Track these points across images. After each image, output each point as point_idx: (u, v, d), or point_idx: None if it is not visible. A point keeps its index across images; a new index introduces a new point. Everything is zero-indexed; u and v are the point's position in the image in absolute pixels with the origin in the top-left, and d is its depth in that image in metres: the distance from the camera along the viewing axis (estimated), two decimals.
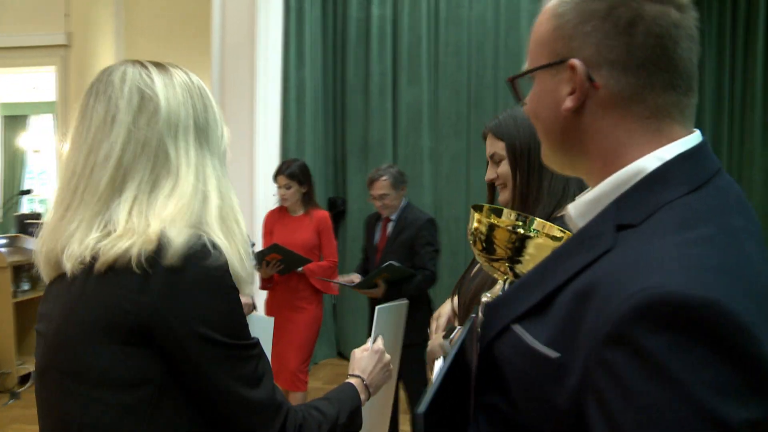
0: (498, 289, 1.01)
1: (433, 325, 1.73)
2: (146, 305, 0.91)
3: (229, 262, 0.97)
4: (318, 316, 3.50)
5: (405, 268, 3.22)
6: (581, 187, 1.60)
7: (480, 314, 0.98)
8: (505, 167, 1.57)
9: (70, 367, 0.96)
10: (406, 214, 3.39)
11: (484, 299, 0.99)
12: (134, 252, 0.91)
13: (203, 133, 1.04)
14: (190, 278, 0.92)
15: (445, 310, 1.76)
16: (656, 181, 0.77)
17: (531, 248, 0.95)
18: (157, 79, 1.03)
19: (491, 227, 0.98)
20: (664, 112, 0.80)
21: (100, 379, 0.94)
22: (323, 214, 3.51)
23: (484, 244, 0.99)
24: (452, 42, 5.34)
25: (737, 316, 0.62)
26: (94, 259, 0.93)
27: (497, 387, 0.83)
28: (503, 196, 1.60)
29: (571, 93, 0.81)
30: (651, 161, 0.78)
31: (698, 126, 0.84)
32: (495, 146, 1.59)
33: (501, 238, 0.97)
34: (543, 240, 0.97)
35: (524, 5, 5.27)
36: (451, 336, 1.56)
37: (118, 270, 0.92)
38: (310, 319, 3.45)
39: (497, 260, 0.99)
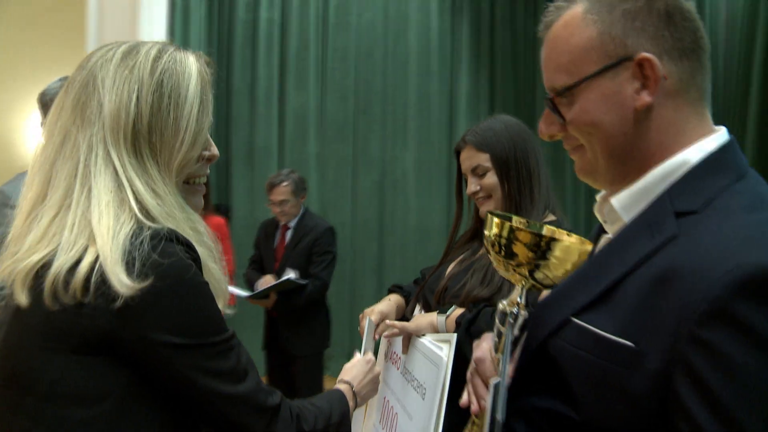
0: (516, 295, 0.99)
1: (364, 322, 1.71)
2: (102, 312, 0.83)
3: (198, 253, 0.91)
4: None
5: (299, 281, 3.19)
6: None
7: (497, 321, 0.98)
8: (490, 179, 1.62)
9: (15, 379, 0.87)
10: (305, 222, 3.36)
11: (500, 306, 0.98)
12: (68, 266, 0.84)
13: (144, 142, 0.92)
14: (147, 282, 0.83)
15: (378, 308, 1.76)
16: (707, 171, 0.82)
17: (558, 251, 0.93)
18: (113, 71, 0.92)
19: (512, 231, 0.95)
20: (706, 93, 0.86)
21: (50, 392, 0.85)
22: (219, 221, 3.40)
23: (504, 249, 0.96)
24: (340, 48, 5.32)
25: None
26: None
27: (550, 386, 0.82)
28: (487, 207, 1.64)
29: (643, 89, 0.83)
30: (694, 153, 0.83)
31: None
32: (477, 159, 1.63)
33: (525, 242, 0.94)
34: (569, 242, 0.95)
35: (412, 13, 5.35)
36: (448, 312, 1.56)
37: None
38: None
39: (518, 265, 0.96)
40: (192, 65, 0.97)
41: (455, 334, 1.46)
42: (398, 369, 1.69)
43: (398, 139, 5.42)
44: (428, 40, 5.39)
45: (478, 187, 1.65)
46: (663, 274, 0.74)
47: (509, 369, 0.90)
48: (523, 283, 0.98)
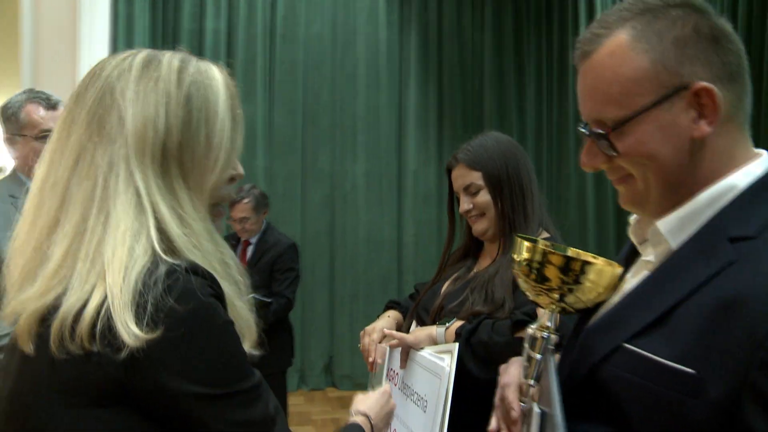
0: (546, 319, 0.95)
1: (366, 340, 1.68)
2: (109, 361, 0.74)
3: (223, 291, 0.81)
4: None
5: (264, 298, 3.10)
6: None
7: (526, 346, 0.95)
8: (483, 197, 1.60)
9: None
10: (267, 237, 3.29)
11: (530, 331, 0.95)
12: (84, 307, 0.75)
13: (174, 160, 0.83)
14: (157, 332, 0.74)
15: (379, 326, 1.72)
16: (757, 196, 0.81)
17: (592, 274, 0.91)
18: (134, 84, 0.83)
19: (545, 255, 0.92)
20: (748, 116, 0.85)
21: None
22: None
23: (536, 273, 0.93)
24: (288, 59, 5.26)
25: None
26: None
27: (603, 413, 0.80)
28: (480, 225, 1.63)
29: (700, 118, 0.81)
30: (741, 177, 0.82)
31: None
32: (470, 177, 1.61)
33: (558, 265, 0.91)
34: (602, 266, 0.92)
35: (360, 26, 5.34)
36: (448, 324, 1.53)
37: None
38: None
39: (549, 290, 0.93)
40: (218, 77, 0.89)
41: (456, 344, 1.43)
42: (396, 385, 1.66)
43: (347, 152, 5.39)
44: (377, 52, 5.39)
45: (471, 206, 1.63)
46: (727, 302, 0.73)
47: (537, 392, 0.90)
48: (554, 307, 0.95)
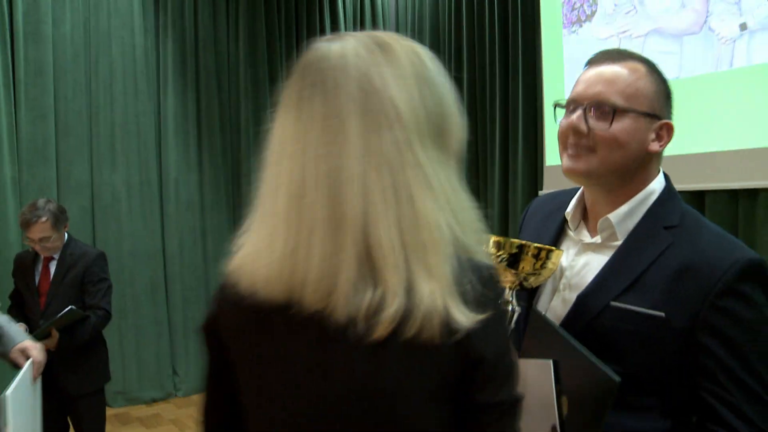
0: (507, 294, 1.25)
1: None
2: (448, 349, 0.78)
3: None
4: None
5: (82, 311, 2.95)
6: None
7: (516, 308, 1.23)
8: None
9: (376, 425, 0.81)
10: (71, 250, 3.09)
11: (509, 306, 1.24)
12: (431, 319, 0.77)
13: (440, 136, 0.85)
14: (484, 308, 0.80)
15: None
16: (670, 198, 1.22)
17: (554, 258, 1.20)
18: (386, 68, 0.82)
19: (521, 248, 1.19)
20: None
21: None
22: None
23: (508, 262, 1.20)
24: (34, 60, 4.81)
25: None
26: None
27: (597, 354, 1.09)
28: None
29: (656, 140, 1.19)
30: (656, 186, 1.22)
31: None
32: None
33: (533, 254, 1.19)
34: (558, 251, 1.23)
35: (115, 30, 5.11)
36: None
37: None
38: None
39: (517, 274, 1.21)
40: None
41: None
42: None
43: (105, 161, 5.13)
44: (133, 58, 5.21)
45: None
46: (680, 269, 1.11)
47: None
48: (513, 286, 1.23)
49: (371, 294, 0.77)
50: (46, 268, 3.07)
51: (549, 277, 1.25)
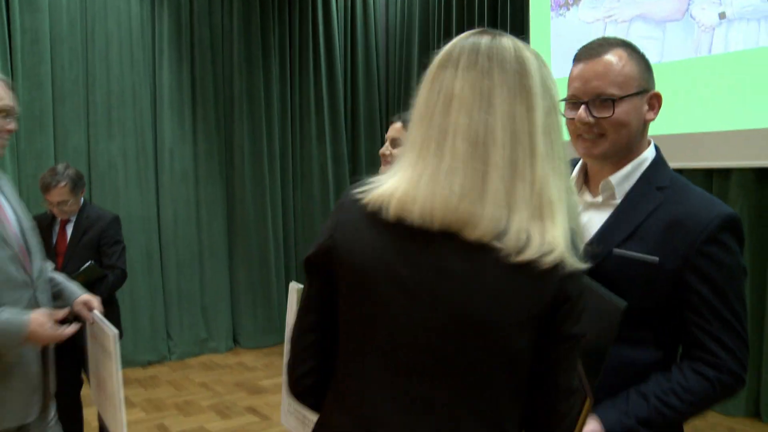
0: None
1: None
2: (551, 286, 0.96)
3: None
4: None
5: (101, 269, 3.10)
6: None
7: None
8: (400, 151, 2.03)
9: (496, 353, 0.98)
10: (87, 214, 3.23)
11: None
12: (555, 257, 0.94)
13: (557, 115, 1.02)
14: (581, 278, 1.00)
15: None
16: (661, 164, 1.43)
17: None
18: (532, 61, 1.02)
19: None
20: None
21: (514, 365, 0.99)
22: None
23: None
24: (30, 29, 4.88)
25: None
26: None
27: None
28: (387, 169, 2.06)
29: (650, 110, 1.39)
30: (649, 153, 1.43)
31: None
32: (401, 133, 2.13)
33: None
34: None
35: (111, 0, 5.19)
36: None
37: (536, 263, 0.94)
38: None
39: None
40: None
41: None
42: None
43: (102, 130, 5.23)
44: (129, 28, 5.29)
45: (387, 152, 2.21)
46: (671, 222, 1.32)
47: None
48: None
49: (526, 231, 0.95)
50: (63, 230, 3.21)
51: None
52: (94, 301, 2.35)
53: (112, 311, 3.30)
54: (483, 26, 1.16)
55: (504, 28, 5.36)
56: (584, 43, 1.45)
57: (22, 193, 4.81)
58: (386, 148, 2.20)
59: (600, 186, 1.46)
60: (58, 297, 2.34)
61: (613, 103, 1.35)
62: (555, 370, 1.01)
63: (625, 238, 1.36)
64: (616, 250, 1.36)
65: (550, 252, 0.94)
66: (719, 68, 3.95)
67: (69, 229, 3.21)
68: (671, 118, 3.96)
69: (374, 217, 1.02)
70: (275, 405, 4.42)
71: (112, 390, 2.22)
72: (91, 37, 5.15)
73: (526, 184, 0.96)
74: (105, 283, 3.14)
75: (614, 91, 1.36)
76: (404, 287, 1.00)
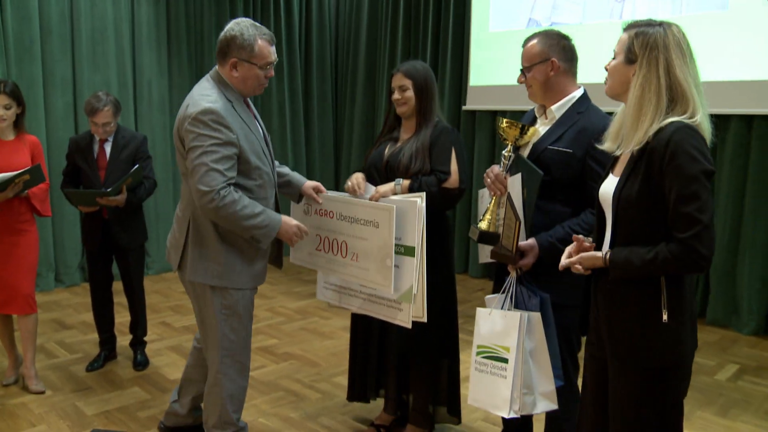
0: (508, 150, 2.34)
1: (354, 181, 2.75)
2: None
3: None
4: (38, 238, 3.59)
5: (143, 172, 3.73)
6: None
7: (503, 159, 2.33)
8: (409, 93, 2.75)
9: None
10: (122, 134, 3.80)
11: (504, 153, 2.35)
12: None
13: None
14: None
15: (358, 174, 2.80)
16: (584, 98, 2.31)
17: (530, 131, 2.29)
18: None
19: (510, 124, 2.30)
20: (576, 73, 2.36)
21: None
22: (34, 138, 3.57)
23: (514, 130, 2.30)
24: None
25: None
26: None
27: (543, 171, 2.14)
28: (402, 108, 2.78)
29: (552, 70, 2.27)
30: (576, 93, 2.31)
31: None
32: (404, 81, 2.77)
33: (518, 127, 2.29)
34: (533, 128, 2.31)
35: None
36: (400, 182, 2.66)
37: None
38: (33, 241, 3.50)
39: (516, 136, 2.30)
40: None
41: (423, 193, 2.51)
42: (332, 218, 2.71)
43: (86, 61, 5.68)
44: None
45: (401, 96, 2.76)
46: (580, 129, 2.20)
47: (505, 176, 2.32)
48: (512, 142, 2.33)
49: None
50: (102, 148, 3.77)
51: (529, 140, 2.33)
52: (320, 185, 2.86)
53: (141, 215, 3.96)
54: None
55: None
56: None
57: None
58: (398, 94, 2.77)
59: (546, 112, 2.36)
60: (285, 186, 2.84)
61: (528, 68, 2.31)
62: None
63: (555, 140, 2.25)
64: (550, 147, 2.25)
65: None
66: None
67: (107, 147, 3.78)
68: (593, 70, 4.93)
69: None
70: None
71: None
72: None
73: None
74: (143, 187, 3.77)
75: (526, 63, 2.32)
76: None
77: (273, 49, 2.49)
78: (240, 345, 2.58)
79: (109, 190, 3.51)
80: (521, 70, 2.33)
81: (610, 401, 1.80)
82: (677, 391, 1.72)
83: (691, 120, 1.65)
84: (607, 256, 1.73)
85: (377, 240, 2.53)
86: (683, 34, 1.73)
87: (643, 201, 1.68)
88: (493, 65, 5.91)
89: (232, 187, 2.36)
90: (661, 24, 1.73)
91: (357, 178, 2.77)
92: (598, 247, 1.86)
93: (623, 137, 1.76)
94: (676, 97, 1.67)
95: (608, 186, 1.82)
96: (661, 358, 1.69)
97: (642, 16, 4.91)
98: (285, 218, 2.51)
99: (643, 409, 1.71)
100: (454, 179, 2.69)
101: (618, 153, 1.81)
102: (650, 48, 1.68)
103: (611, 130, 1.83)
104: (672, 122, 1.65)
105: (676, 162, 1.60)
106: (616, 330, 1.76)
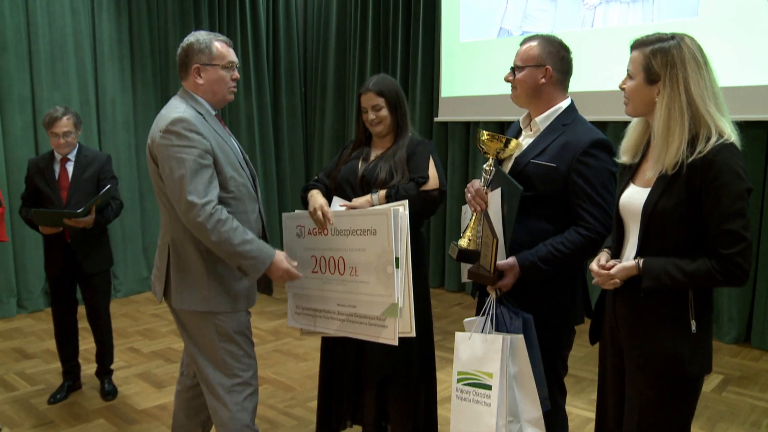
0: (489, 163, 2.22)
1: (320, 213, 2.52)
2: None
3: None
4: None
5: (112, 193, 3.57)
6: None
7: (483, 173, 2.22)
8: (384, 112, 2.64)
9: None
10: (85, 153, 3.65)
11: (485, 167, 2.23)
12: None
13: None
14: None
15: (320, 201, 2.57)
16: (570, 110, 2.19)
17: (513, 144, 2.16)
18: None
19: (491, 137, 2.18)
20: (568, 86, 2.26)
21: None
22: None
23: (494, 142, 2.19)
24: None
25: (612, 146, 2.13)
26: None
27: (526, 186, 2.05)
28: (378, 128, 2.67)
29: (543, 77, 2.16)
30: (563, 104, 2.19)
31: None
32: (377, 100, 2.63)
33: (502, 140, 2.17)
34: (515, 141, 2.19)
35: None
36: (377, 192, 2.55)
37: None
38: None
39: (499, 149, 2.19)
40: None
41: (405, 201, 2.39)
42: (326, 235, 2.53)
43: (46, 79, 5.49)
44: None
45: (375, 116, 2.64)
46: (565, 142, 2.08)
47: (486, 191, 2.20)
48: (494, 156, 2.21)
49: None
50: (64, 168, 3.60)
51: (512, 153, 2.22)
52: (324, 205, 2.63)
53: (106, 239, 3.79)
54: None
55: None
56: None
57: None
58: (371, 114, 2.64)
59: (531, 123, 2.25)
60: None
61: (519, 69, 2.19)
62: None
63: (538, 154, 2.13)
64: (533, 160, 2.14)
65: None
66: (600, 39, 4.89)
67: (69, 167, 3.62)
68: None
69: None
70: None
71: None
72: None
73: None
74: (110, 209, 3.60)
75: (519, 63, 2.18)
76: None
77: (232, 51, 2.40)
78: (243, 369, 2.40)
79: (79, 210, 3.34)
80: (512, 68, 2.22)
81: (628, 408, 1.84)
82: (696, 399, 1.80)
83: (725, 138, 1.68)
84: (640, 264, 1.75)
85: (376, 247, 2.41)
86: (698, 45, 1.75)
87: (681, 215, 1.70)
88: (465, 76, 5.84)
89: (222, 206, 2.23)
90: (673, 37, 1.74)
91: (322, 208, 2.56)
92: (615, 257, 1.89)
93: (656, 156, 1.76)
94: (695, 113, 1.70)
95: (634, 197, 1.83)
96: (691, 368, 1.73)
97: (613, 24, 4.93)
98: (278, 257, 2.33)
99: (665, 417, 1.77)
100: (433, 182, 2.60)
101: (633, 162, 1.89)
102: (670, 66, 1.71)
103: (627, 144, 1.89)
104: (715, 141, 1.68)
105: (721, 180, 1.64)
106: (639, 340, 1.80)
